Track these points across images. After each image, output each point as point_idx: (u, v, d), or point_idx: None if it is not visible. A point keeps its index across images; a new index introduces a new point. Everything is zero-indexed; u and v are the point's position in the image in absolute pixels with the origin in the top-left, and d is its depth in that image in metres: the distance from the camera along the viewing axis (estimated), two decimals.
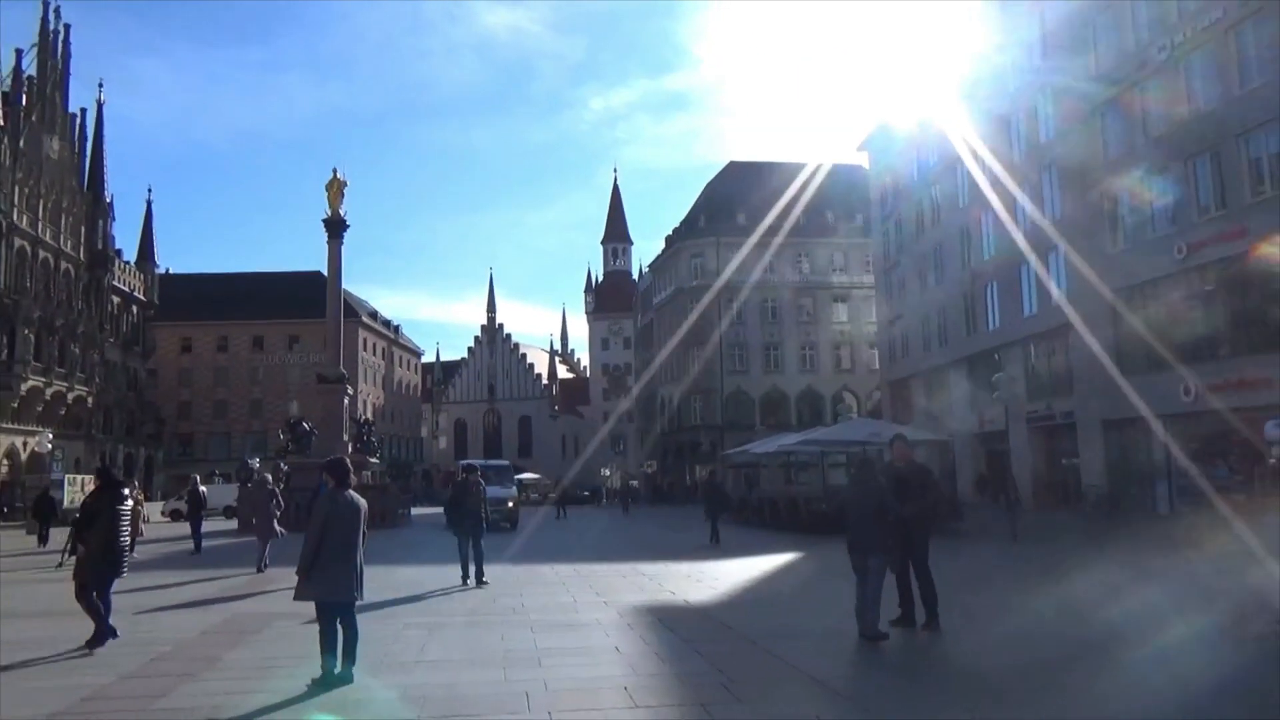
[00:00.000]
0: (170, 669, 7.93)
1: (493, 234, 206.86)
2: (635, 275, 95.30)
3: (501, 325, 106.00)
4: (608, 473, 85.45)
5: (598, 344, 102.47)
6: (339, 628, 7.17)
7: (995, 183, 36.08)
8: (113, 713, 6.45)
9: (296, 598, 7.24)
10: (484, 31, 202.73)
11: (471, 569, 13.97)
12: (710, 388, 64.58)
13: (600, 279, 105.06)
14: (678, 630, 9.63)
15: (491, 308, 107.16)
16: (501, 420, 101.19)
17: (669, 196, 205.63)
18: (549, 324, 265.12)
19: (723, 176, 73.23)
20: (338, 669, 7.07)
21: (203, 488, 24.26)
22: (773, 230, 62.81)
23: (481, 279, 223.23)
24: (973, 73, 38.85)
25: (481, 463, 26.17)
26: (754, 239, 62.44)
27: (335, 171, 35.07)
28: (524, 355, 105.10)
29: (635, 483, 61.27)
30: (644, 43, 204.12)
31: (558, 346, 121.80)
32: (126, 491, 9.56)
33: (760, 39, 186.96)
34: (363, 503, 7.46)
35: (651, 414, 76.64)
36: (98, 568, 8.93)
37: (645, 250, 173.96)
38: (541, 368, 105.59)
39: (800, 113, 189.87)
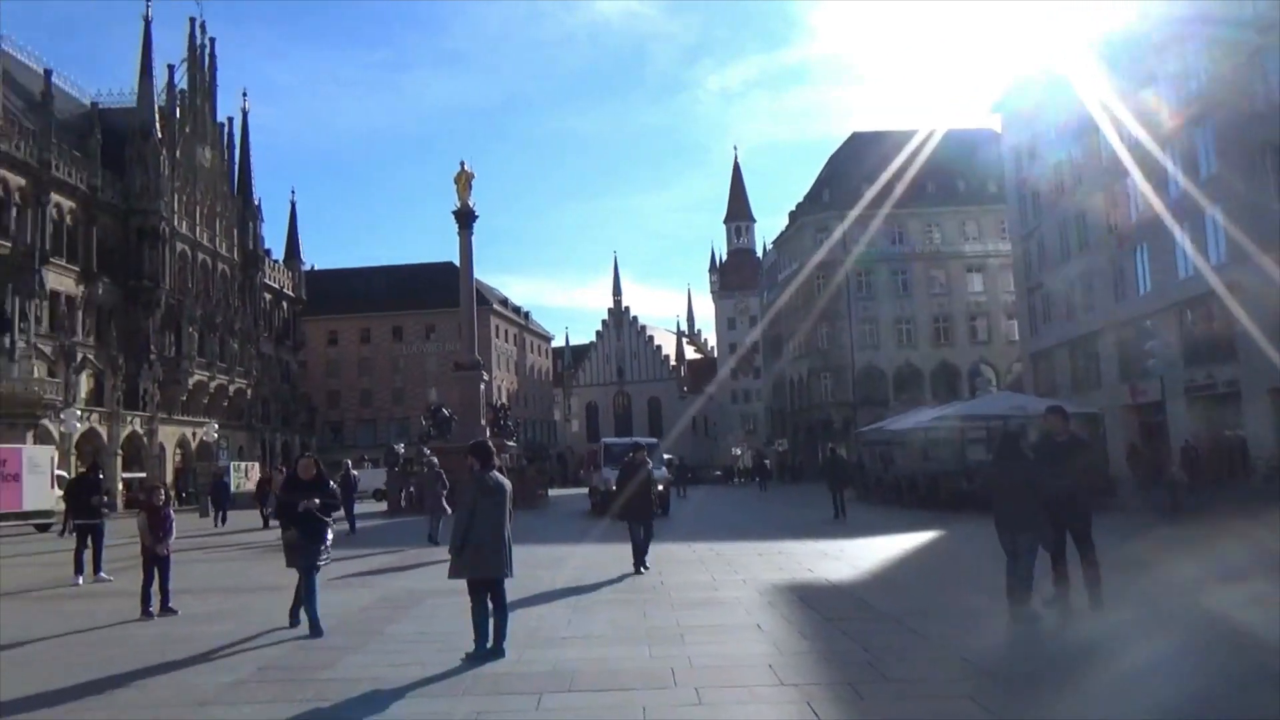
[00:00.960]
0: (335, 642, 8.42)
1: (615, 218, 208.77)
2: (759, 253, 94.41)
3: (628, 308, 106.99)
4: (738, 451, 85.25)
5: (724, 323, 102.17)
6: (489, 604, 7.40)
7: (1140, 140, 33.86)
8: (287, 681, 6.90)
9: (450, 575, 7.50)
10: (597, 18, 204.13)
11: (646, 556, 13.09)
12: (840, 364, 63.43)
13: (724, 258, 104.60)
14: (819, 608, 9.55)
15: (617, 291, 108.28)
16: (631, 402, 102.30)
17: (790, 172, 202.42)
18: (674, 305, 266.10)
19: (846, 148, 71.52)
20: (489, 644, 7.34)
21: (354, 471, 25.42)
22: (900, 201, 60.95)
23: (606, 263, 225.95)
24: (1112, 24, 36.51)
25: (631, 440, 24.59)
26: (881, 211, 60.78)
27: (463, 164, 36.15)
28: (651, 337, 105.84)
29: (768, 461, 60.83)
30: (758, 18, 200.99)
31: (684, 327, 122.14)
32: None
33: (879, 3, 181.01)
34: (507, 483, 7.61)
35: (781, 392, 75.95)
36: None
37: (768, 227, 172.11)
38: (669, 349, 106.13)
39: (925, 78, 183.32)
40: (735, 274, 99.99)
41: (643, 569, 12.72)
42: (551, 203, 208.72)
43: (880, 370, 62.93)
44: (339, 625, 9.34)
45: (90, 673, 7.43)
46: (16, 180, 44.53)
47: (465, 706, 6.00)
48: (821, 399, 65.21)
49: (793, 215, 73.11)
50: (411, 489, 31.51)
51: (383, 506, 36.62)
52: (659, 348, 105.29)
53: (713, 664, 7.06)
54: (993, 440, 33.55)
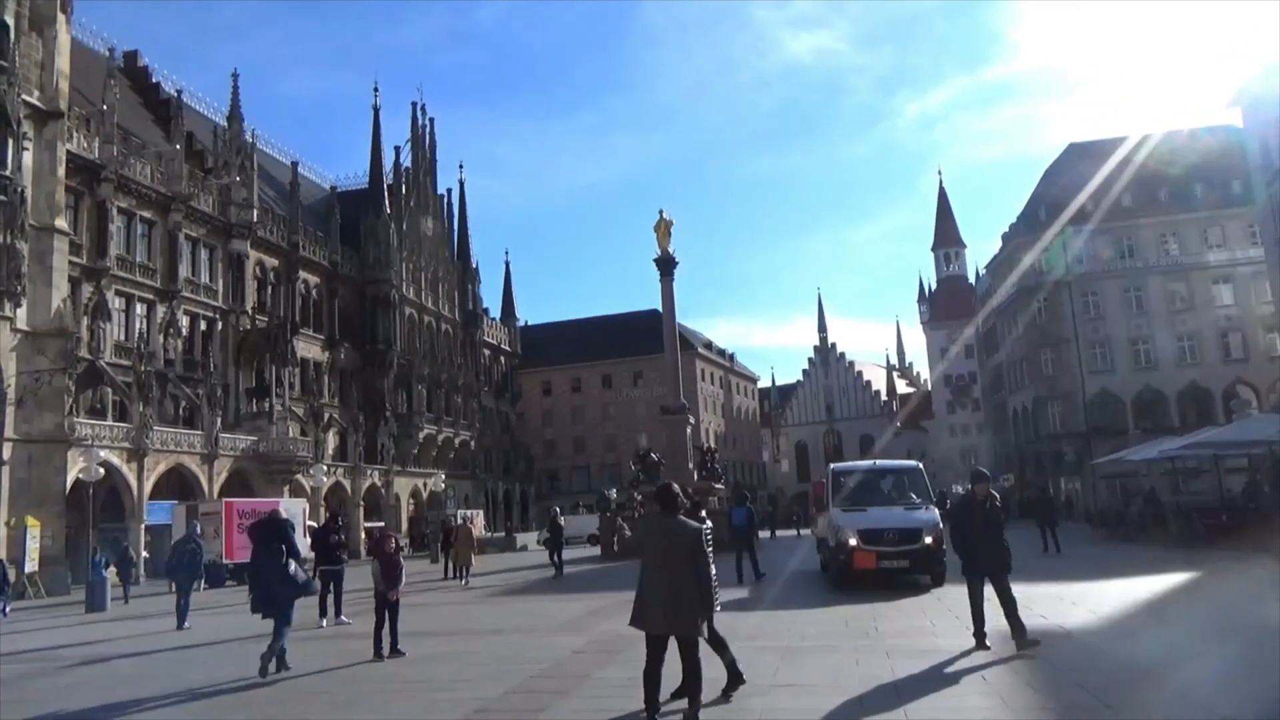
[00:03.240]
0: (547, 685, 8.58)
1: (817, 254, 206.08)
2: (971, 279, 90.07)
3: (834, 344, 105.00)
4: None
5: (936, 354, 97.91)
6: (683, 662, 6.57)
7: None
8: None
9: (630, 623, 6.79)
10: (790, 59, 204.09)
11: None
12: (1069, 391, 58.92)
13: (934, 287, 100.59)
14: (1051, 658, 8.74)
15: (822, 328, 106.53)
16: (842, 440, 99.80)
17: (1000, 193, 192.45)
18: (882, 339, 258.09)
19: (1062, 161, 67.08)
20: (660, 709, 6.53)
21: (561, 518, 26.18)
22: (1127, 212, 56.34)
23: (810, 300, 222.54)
24: None
25: (872, 465, 18.47)
26: (1107, 224, 56.39)
27: (661, 213, 36.78)
28: (860, 373, 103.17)
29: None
30: (956, 39, 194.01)
31: (893, 360, 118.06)
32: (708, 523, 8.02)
33: (1087, 8, 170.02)
34: (694, 527, 6.82)
35: (1002, 424, 71.53)
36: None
37: (980, 252, 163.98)
38: (879, 384, 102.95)
39: (1146, 79, 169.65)
40: (946, 303, 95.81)
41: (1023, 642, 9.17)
42: (753, 244, 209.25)
43: (1115, 396, 57.86)
44: (552, 669, 9.53)
45: (323, 712, 7.95)
46: (272, 261, 49.95)
47: None
48: (1050, 429, 60.75)
49: (1006, 237, 69.29)
50: (626, 533, 32.03)
51: (596, 551, 37.44)
52: (868, 383, 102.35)
53: (904, 625, 6.58)
54: (1257, 469, 29.88)
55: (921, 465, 18.05)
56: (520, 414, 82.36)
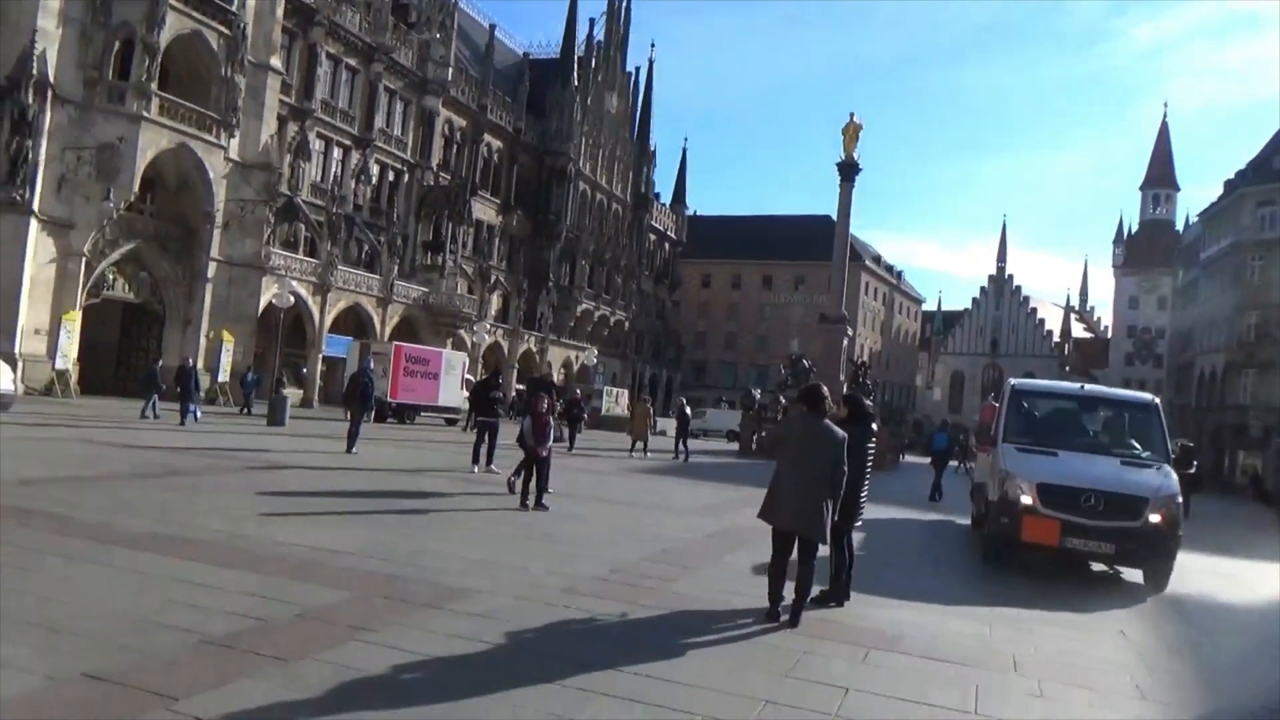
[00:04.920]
0: (678, 559, 8.92)
1: (1008, 180, 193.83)
2: (1179, 226, 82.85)
3: (1011, 276, 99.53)
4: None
5: (1124, 301, 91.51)
6: (799, 562, 6.64)
7: None
8: (632, 585, 7.43)
9: (759, 515, 6.84)
10: None
11: None
12: (1268, 361, 54.08)
13: (1134, 229, 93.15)
14: (1199, 626, 8.36)
15: (1002, 257, 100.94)
16: (1003, 376, 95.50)
17: (1228, 138, 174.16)
18: (1065, 278, 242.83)
19: None
20: (775, 612, 6.55)
21: (688, 409, 29.77)
22: None
23: (992, 227, 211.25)
24: None
25: (1080, 388, 13.16)
26: None
27: (852, 116, 35.37)
28: (1034, 309, 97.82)
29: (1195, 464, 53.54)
30: None
31: (1074, 302, 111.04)
32: (875, 426, 8.16)
33: None
34: (839, 434, 6.72)
35: (1185, 385, 66.65)
36: (848, 510, 7.24)
37: (1191, 200, 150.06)
38: (1053, 324, 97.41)
39: None
40: (1146, 248, 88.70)
41: None
42: (939, 161, 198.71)
43: None
44: (683, 546, 9.89)
45: (470, 547, 8.57)
46: (460, 122, 51.32)
47: (791, 643, 6.07)
48: (1237, 399, 56.21)
49: (1229, 184, 62.91)
50: (763, 434, 32.24)
51: (734, 447, 37.92)
52: (1041, 321, 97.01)
53: (1062, 659, 6.47)
54: None
55: (1159, 402, 11.89)
56: (676, 302, 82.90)
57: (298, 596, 5.95)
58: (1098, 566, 11.07)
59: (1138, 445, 10.97)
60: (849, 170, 35.05)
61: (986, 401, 19.96)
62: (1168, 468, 10.46)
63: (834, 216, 37.91)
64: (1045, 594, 9.22)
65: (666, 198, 79.07)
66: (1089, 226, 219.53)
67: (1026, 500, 9.75)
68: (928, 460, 22.76)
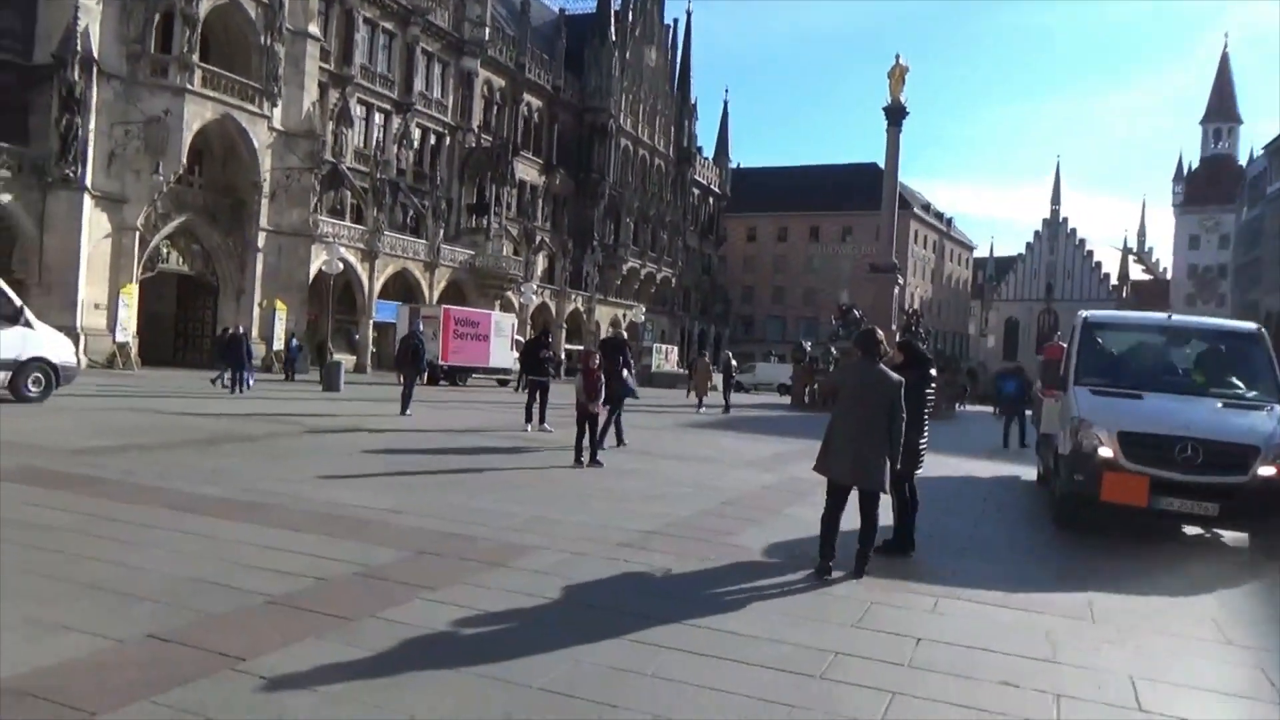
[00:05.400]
0: (736, 512, 8.80)
1: (1061, 121, 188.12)
2: (1242, 161, 79.73)
3: (1065, 219, 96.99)
4: None
5: (1184, 241, 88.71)
6: (862, 516, 6.37)
7: None
8: (689, 539, 7.32)
9: (815, 468, 6.59)
10: None
11: None
12: None
13: (1194, 166, 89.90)
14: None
15: (1056, 200, 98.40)
16: (1059, 321, 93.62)
17: None
18: (1122, 219, 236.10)
19: None
20: (827, 566, 6.27)
21: (733, 362, 31.97)
22: None
23: (1045, 170, 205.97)
24: None
25: (1190, 322, 11.87)
26: None
27: (898, 58, 34.41)
28: (1090, 252, 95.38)
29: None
30: None
31: (1132, 244, 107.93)
32: (933, 372, 7.83)
33: None
34: (895, 379, 6.43)
35: None
36: (903, 458, 6.79)
37: (1254, 133, 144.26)
38: (1110, 266, 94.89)
39: None
40: (1207, 185, 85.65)
41: None
42: (990, 104, 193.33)
43: None
44: (741, 499, 9.76)
45: (525, 504, 8.53)
46: (499, 82, 50.99)
47: (857, 593, 5.92)
48: None
49: None
50: (815, 386, 31.91)
51: (786, 400, 37.63)
52: (1098, 264, 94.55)
53: (1142, 608, 6.23)
54: None
55: (1264, 331, 10.02)
56: (722, 257, 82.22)
57: (358, 556, 5.94)
58: (1191, 529, 9.30)
59: (1240, 384, 9.20)
60: (896, 114, 34.17)
61: (1052, 340, 17.97)
62: (1276, 409, 8.59)
63: (881, 164, 37.13)
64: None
65: (709, 151, 78.08)
66: (1146, 166, 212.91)
67: (1106, 452, 8.15)
68: (991, 409, 22.28)
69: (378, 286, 40.36)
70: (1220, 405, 8.66)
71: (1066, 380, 9.41)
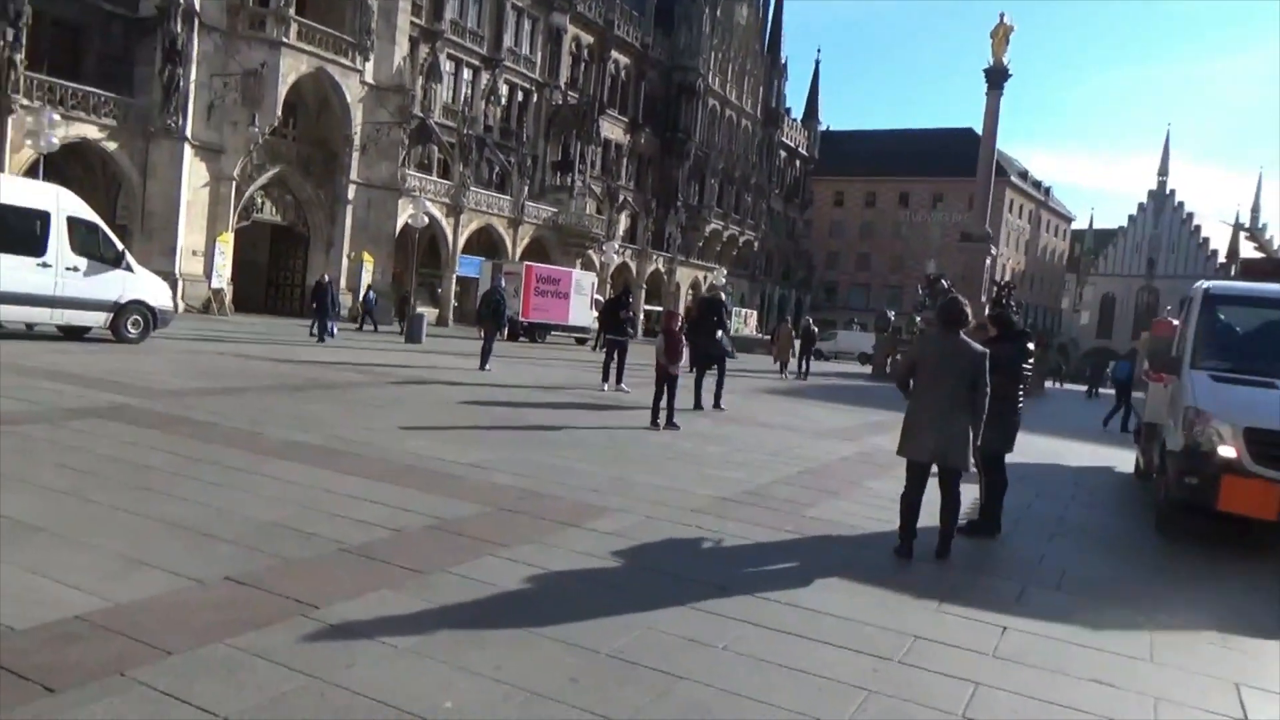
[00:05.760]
0: (816, 484, 8.59)
1: (1174, 88, 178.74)
2: None
3: (1173, 191, 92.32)
4: None
5: None
6: (943, 495, 6.11)
7: None
8: (768, 509, 7.16)
9: (898, 451, 6.26)
10: None
11: None
12: None
13: None
14: None
15: (1164, 171, 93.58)
16: (1160, 299, 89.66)
17: None
18: (1235, 193, 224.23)
19: None
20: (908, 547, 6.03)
21: (814, 328, 31.84)
22: None
23: (1153, 139, 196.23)
24: None
25: None
26: None
27: (1002, 17, 32.95)
28: (1198, 227, 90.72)
29: None
30: None
31: (1245, 219, 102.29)
32: (1030, 345, 7.49)
33: None
34: (978, 350, 6.06)
35: None
36: (995, 435, 6.65)
37: None
38: (1219, 242, 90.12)
39: None
40: None
41: None
42: (1096, 68, 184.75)
43: None
44: (821, 469, 9.55)
45: (601, 465, 8.48)
46: (587, 38, 50.64)
47: (939, 575, 5.70)
48: None
49: None
50: (898, 356, 31.22)
51: (867, 370, 36.94)
52: (1205, 240, 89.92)
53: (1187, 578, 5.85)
54: None
55: None
56: (808, 221, 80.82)
57: (433, 509, 5.96)
58: None
59: None
60: (998, 77, 32.82)
61: (1161, 316, 16.15)
62: None
63: (977, 129, 35.83)
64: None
65: (798, 113, 76.48)
66: (1264, 136, 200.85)
67: (1227, 452, 6.91)
68: (1082, 389, 21.47)
69: (462, 241, 40.81)
70: None
71: (1180, 363, 8.09)
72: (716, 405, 14.13)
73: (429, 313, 34.20)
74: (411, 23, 38.15)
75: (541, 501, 6.56)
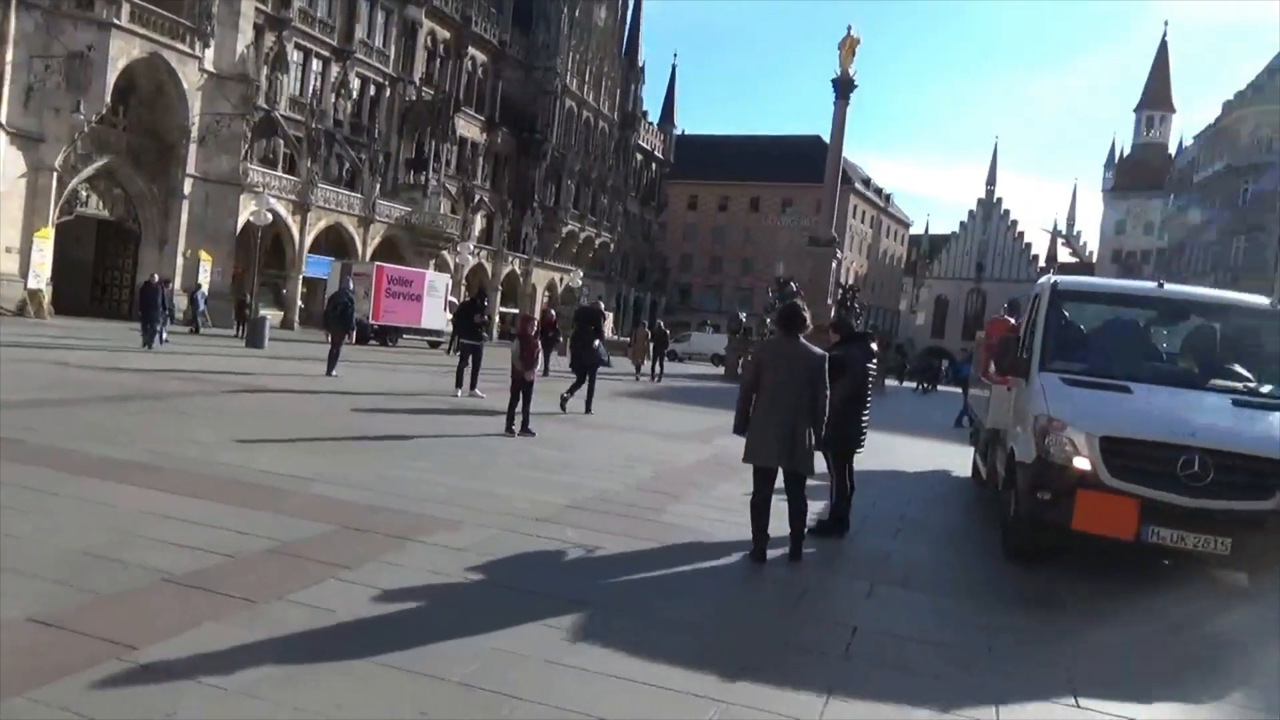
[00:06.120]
0: (666, 488, 8.65)
1: (1001, 102, 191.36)
2: (1172, 150, 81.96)
3: (1000, 200, 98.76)
4: None
5: (1111, 226, 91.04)
6: (789, 499, 6.18)
7: None
8: (620, 516, 7.15)
9: (744, 459, 6.28)
10: None
11: None
12: (1254, 288, 54.08)
13: (1126, 152, 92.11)
14: None
15: (991, 180, 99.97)
16: (986, 301, 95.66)
17: (1224, 60, 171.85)
18: (1055, 203, 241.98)
19: None
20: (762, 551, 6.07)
21: (667, 330, 32.40)
22: None
23: (982, 149, 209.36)
24: None
25: (1186, 293, 9.05)
26: None
27: (849, 29, 34.29)
28: (1022, 233, 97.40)
29: None
30: None
31: (1061, 227, 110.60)
32: (874, 346, 7.74)
33: None
34: (818, 353, 6.19)
35: None
36: (844, 436, 7.14)
37: (1186, 124, 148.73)
38: (1040, 248, 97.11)
39: None
40: (1137, 172, 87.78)
41: None
42: (931, 81, 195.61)
43: None
44: (672, 474, 9.62)
45: (453, 475, 8.26)
46: (443, 33, 49.57)
47: (791, 577, 5.82)
48: None
49: (1228, 105, 61.93)
50: (749, 357, 32.09)
51: (720, 371, 37.71)
52: (1028, 246, 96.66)
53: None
54: None
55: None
56: (663, 224, 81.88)
57: (271, 530, 5.62)
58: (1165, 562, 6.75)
59: (1248, 374, 7.23)
60: (845, 87, 34.09)
61: (997, 315, 15.03)
62: None
63: (824, 137, 37.21)
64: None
65: (655, 116, 77.34)
66: (1080, 150, 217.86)
67: (1082, 463, 6.20)
68: (913, 385, 22.53)
69: (309, 240, 39.18)
70: (1231, 403, 6.72)
71: (1031, 363, 7.34)
72: (588, 410, 14.34)
73: (273, 315, 32.67)
74: (256, 9, 36.32)
75: (389, 517, 6.30)
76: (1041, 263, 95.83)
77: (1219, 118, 62.77)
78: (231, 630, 3.96)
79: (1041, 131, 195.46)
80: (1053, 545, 6.78)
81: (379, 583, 4.80)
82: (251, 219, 31.42)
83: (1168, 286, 8.54)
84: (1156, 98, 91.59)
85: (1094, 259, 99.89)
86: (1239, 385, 7.08)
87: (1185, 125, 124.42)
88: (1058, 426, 6.39)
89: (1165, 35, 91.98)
